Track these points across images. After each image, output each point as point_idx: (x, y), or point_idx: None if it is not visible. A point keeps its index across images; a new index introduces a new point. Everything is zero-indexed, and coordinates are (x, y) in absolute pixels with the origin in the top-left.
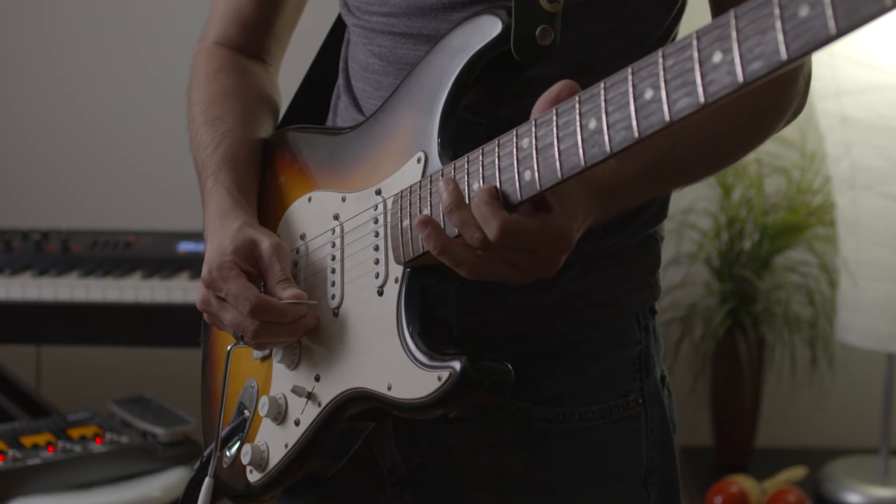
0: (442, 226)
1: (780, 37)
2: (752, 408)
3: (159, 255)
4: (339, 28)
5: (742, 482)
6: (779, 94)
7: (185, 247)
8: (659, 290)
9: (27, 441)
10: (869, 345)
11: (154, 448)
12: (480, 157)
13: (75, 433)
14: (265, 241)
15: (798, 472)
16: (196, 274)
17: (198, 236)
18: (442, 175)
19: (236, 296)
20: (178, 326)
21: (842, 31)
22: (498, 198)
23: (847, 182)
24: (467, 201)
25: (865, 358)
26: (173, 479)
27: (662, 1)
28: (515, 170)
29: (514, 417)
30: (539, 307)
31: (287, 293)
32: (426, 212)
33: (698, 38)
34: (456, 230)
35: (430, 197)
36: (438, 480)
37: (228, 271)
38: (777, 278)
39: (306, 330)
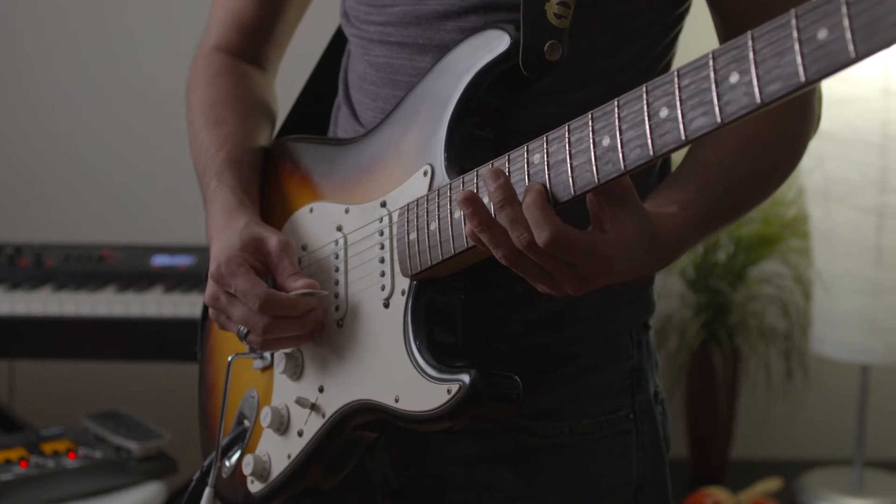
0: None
1: (799, 59)
2: (727, 419)
3: (133, 269)
4: (338, 40)
5: (717, 494)
6: (804, 121)
7: (159, 261)
8: (653, 306)
9: None
10: (843, 356)
11: (128, 463)
12: None
13: (48, 448)
14: (272, 239)
15: (773, 483)
16: (169, 287)
17: (172, 250)
18: (451, 188)
19: (245, 291)
20: (152, 340)
21: (861, 55)
22: (549, 200)
23: (820, 194)
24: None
25: (840, 369)
26: (147, 494)
27: (662, 22)
28: (526, 185)
29: (505, 431)
30: (531, 321)
31: (299, 283)
32: (434, 226)
33: (714, 59)
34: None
35: (438, 210)
36: (428, 493)
37: (237, 266)
38: (751, 290)
39: (315, 324)
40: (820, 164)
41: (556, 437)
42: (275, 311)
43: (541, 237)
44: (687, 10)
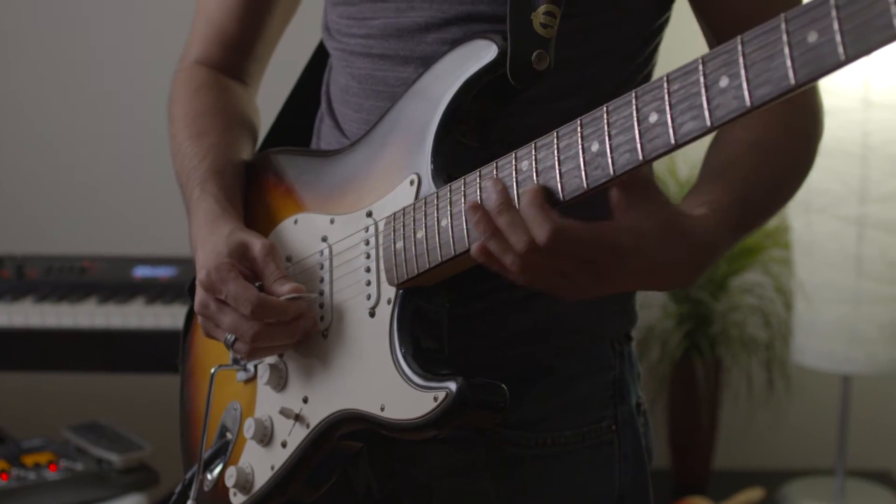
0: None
1: (788, 62)
2: (709, 430)
3: (115, 281)
4: (320, 54)
5: None
6: (815, 123)
7: (141, 272)
8: (635, 317)
9: None
10: (824, 366)
11: (109, 475)
12: (478, 180)
13: (29, 460)
14: (257, 244)
15: (755, 493)
16: (151, 299)
17: (153, 261)
18: (438, 196)
19: (237, 297)
20: (134, 352)
21: (851, 58)
22: (547, 199)
23: (802, 205)
24: (464, 219)
25: (821, 379)
26: None
27: (644, 32)
28: (514, 192)
29: (487, 441)
30: (514, 332)
31: (285, 288)
32: (420, 234)
33: (704, 63)
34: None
35: (425, 219)
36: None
37: (227, 273)
38: (733, 300)
39: (304, 332)
40: None
41: (539, 448)
42: (266, 316)
43: (541, 235)
44: (667, 21)
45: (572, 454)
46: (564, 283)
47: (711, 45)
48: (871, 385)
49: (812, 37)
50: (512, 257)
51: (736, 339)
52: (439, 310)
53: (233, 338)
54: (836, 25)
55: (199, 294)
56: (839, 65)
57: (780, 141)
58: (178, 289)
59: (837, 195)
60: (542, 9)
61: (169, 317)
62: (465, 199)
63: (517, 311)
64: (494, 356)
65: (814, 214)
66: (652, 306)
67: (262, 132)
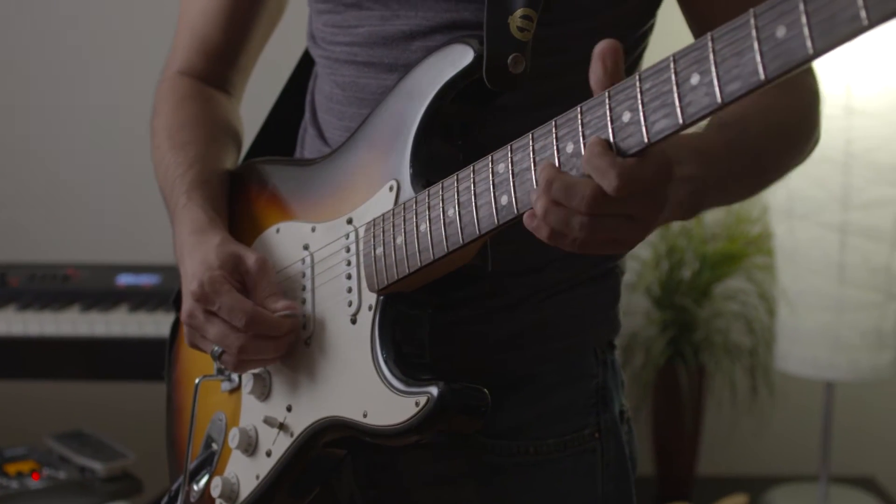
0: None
1: (758, 57)
2: (693, 436)
3: (98, 289)
4: (304, 64)
5: None
6: (814, 96)
7: (124, 280)
8: (618, 325)
9: None
10: (807, 373)
11: (92, 483)
12: (455, 184)
13: (12, 469)
14: (250, 257)
15: (739, 499)
16: (134, 307)
17: (137, 269)
18: (416, 201)
19: (231, 308)
20: (117, 360)
21: (819, 51)
22: (612, 147)
23: (784, 211)
24: (442, 223)
25: (804, 386)
26: None
27: (626, 40)
28: (492, 195)
29: (469, 450)
30: (496, 340)
31: (280, 304)
32: (400, 240)
33: (675, 61)
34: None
35: (404, 224)
36: None
37: (220, 285)
38: (717, 307)
39: (288, 347)
40: (784, 181)
41: (521, 456)
42: (259, 329)
43: (611, 182)
44: (650, 28)
45: (555, 462)
46: (629, 228)
47: (695, 35)
48: (854, 391)
49: (780, 31)
50: (579, 220)
51: (719, 345)
52: (420, 315)
53: (220, 349)
54: (803, 19)
55: (188, 304)
56: (808, 59)
57: (780, 100)
58: (161, 296)
59: (820, 202)
60: (518, 13)
61: (152, 324)
62: (443, 204)
63: (501, 318)
64: (478, 363)
65: (796, 221)
66: (635, 313)
67: (247, 142)
